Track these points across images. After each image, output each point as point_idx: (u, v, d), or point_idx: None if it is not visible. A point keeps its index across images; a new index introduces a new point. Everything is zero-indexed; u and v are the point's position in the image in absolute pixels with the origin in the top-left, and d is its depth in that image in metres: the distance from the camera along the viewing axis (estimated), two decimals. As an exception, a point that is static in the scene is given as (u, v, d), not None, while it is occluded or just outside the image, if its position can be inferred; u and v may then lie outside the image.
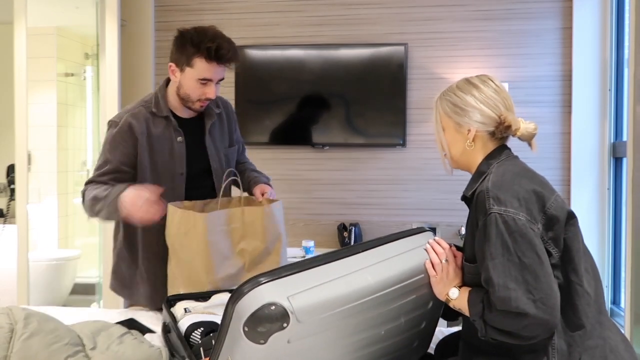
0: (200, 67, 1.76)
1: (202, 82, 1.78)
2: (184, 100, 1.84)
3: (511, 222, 1.19)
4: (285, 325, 1.07)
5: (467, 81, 1.41)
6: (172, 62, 1.81)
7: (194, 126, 1.92)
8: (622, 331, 2.41)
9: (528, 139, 1.38)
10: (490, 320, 1.21)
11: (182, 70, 1.79)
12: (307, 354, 1.17)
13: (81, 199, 1.86)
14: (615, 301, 3.10)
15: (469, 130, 1.37)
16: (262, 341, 1.08)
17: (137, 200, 1.64)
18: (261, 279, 1.12)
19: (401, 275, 1.28)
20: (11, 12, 3.18)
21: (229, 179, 1.92)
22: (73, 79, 4.08)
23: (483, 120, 1.36)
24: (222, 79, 1.83)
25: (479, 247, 1.25)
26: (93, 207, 1.78)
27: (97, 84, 3.46)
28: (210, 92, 1.80)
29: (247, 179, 2.05)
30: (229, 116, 2.04)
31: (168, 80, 1.89)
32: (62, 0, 3.65)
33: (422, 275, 1.33)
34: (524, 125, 1.36)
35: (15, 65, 3.20)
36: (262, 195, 1.95)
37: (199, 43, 1.74)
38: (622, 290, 2.99)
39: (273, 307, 1.07)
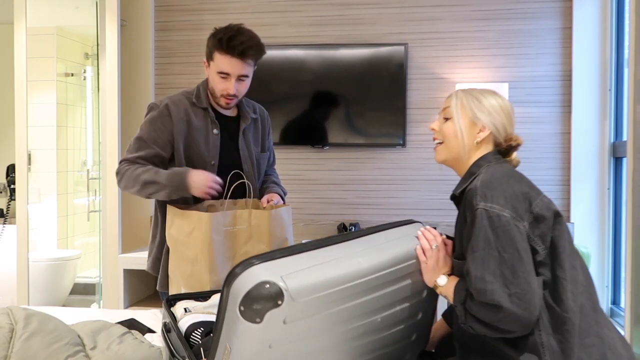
0: (218, 59, 1.83)
1: (222, 76, 1.84)
2: (212, 96, 1.92)
3: (495, 217, 1.23)
4: (280, 302, 1.09)
5: (491, 91, 1.47)
6: (204, 58, 1.91)
7: (231, 125, 1.98)
8: (622, 331, 2.42)
9: (513, 166, 1.45)
10: (470, 308, 1.25)
11: (208, 65, 1.88)
12: (304, 339, 1.18)
13: (117, 177, 1.87)
14: (615, 301, 3.10)
15: (482, 130, 1.41)
16: (258, 320, 1.09)
17: (205, 177, 1.76)
18: (253, 260, 1.15)
19: (393, 259, 1.31)
20: (11, 12, 3.19)
21: (237, 182, 1.91)
22: (73, 79, 4.08)
23: (499, 127, 1.42)
24: (245, 75, 1.86)
25: (467, 242, 1.28)
26: (144, 189, 1.80)
27: (97, 84, 3.46)
28: (230, 87, 1.85)
29: (264, 186, 2.10)
30: (263, 123, 2.12)
31: None
32: (62, 0, 3.66)
33: (414, 260, 1.36)
34: (516, 153, 1.46)
35: (15, 65, 3.20)
36: (268, 202, 1.97)
37: (216, 35, 1.82)
38: (622, 290, 2.99)
39: (267, 286, 1.09)
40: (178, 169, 1.81)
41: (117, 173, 1.86)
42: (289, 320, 1.12)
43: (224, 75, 1.84)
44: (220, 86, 1.86)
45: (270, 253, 1.19)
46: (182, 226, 1.81)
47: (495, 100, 1.42)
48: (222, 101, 1.89)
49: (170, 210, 1.85)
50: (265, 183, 2.13)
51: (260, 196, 2.06)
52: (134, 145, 1.87)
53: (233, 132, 1.98)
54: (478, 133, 1.41)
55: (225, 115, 1.97)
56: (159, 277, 1.96)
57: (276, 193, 2.05)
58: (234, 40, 1.79)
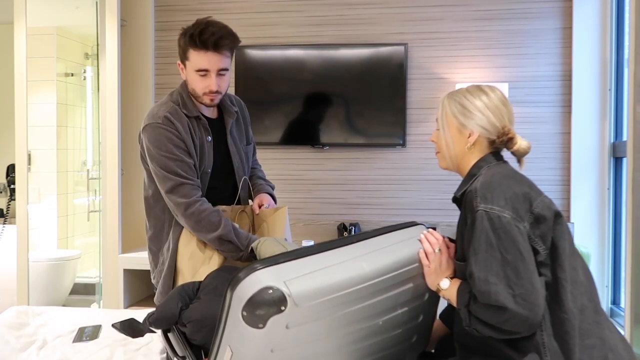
0: (193, 57, 1.76)
1: (201, 74, 1.76)
2: (193, 96, 1.84)
3: (496, 219, 1.23)
4: (283, 308, 1.09)
5: (478, 87, 1.44)
6: (179, 60, 1.84)
7: (217, 126, 1.92)
8: (622, 331, 2.42)
9: (522, 155, 1.42)
10: (474, 310, 1.25)
11: (185, 66, 1.81)
12: (306, 343, 1.17)
13: (191, 219, 1.76)
14: (615, 301, 3.10)
15: (471, 134, 1.40)
16: (260, 325, 1.09)
17: None
18: (256, 265, 1.14)
19: (396, 263, 1.30)
20: (11, 12, 3.18)
21: (244, 181, 1.90)
22: (73, 79, 4.08)
23: (487, 126, 1.39)
24: (224, 69, 1.79)
25: (468, 244, 1.28)
26: (217, 243, 1.75)
27: (97, 84, 3.46)
28: (212, 84, 1.77)
29: (252, 185, 2.06)
30: (243, 115, 2.03)
31: None
32: (62, 0, 3.65)
33: (417, 264, 1.36)
34: (521, 141, 1.41)
35: (15, 65, 3.20)
36: (260, 207, 1.94)
37: (186, 32, 1.75)
38: (622, 290, 2.99)
39: (270, 291, 1.09)
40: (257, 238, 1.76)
41: (192, 214, 1.74)
42: (292, 325, 1.12)
43: (203, 72, 1.76)
44: (200, 85, 1.78)
45: (273, 257, 1.18)
46: (193, 258, 1.82)
47: (481, 99, 1.40)
48: (206, 99, 1.81)
49: (183, 239, 1.85)
50: (252, 180, 2.07)
51: (249, 194, 2.03)
52: (179, 168, 1.76)
53: (220, 133, 1.92)
54: (468, 138, 1.40)
55: (210, 118, 1.91)
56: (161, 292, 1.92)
57: (265, 193, 2.01)
58: (205, 33, 1.71)
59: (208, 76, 1.77)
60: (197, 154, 1.83)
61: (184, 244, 1.83)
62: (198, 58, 1.74)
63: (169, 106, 1.82)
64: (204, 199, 1.79)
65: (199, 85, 1.79)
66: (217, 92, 1.79)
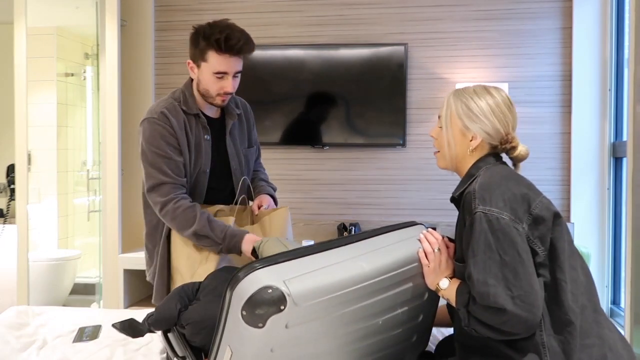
0: (213, 60, 1.77)
1: (218, 76, 1.79)
2: (205, 96, 1.85)
3: (494, 221, 1.22)
4: (282, 307, 1.09)
5: (485, 89, 1.42)
6: (190, 59, 1.84)
7: (217, 126, 1.93)
8: (622, 331, 2.42)
9: (520, 160, 1.42)
10: (473, 311, 1.25)
11: (198, 66, 1.81)
12: (305, 343, 1.17)
13: (167, 217, 1.78)
14: (615, 301, 3.10)
15: (473, 138, 1.39)
16: (260, 324, 1.09)
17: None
18: (256, 264, 1.14)
19: (395, 263, 1.30)
20: (11, 12, 3.18)
21: (243, 181, 1.90)
22: (73, 79, 4.08)
23: (491, 132, 1.38)
24: (239, 71, 1.83)
25: (466, 246, 1.28)
26: (195, 238, 1.76)
27: (97, 84, 3.46)
28: (228, 85, 1.80)
29: (253, 184, 2.06)
30: (247, 117, 2.05)
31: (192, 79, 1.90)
32: (62, 0, 3.65)
33: (416, 264, 1.36)
34: (521, 147, 1.41)
35: (15, 65, 3.20)
36: (259, 208, 1.95)
37: (210, 36, 1.75)
38: (622, 290, 2.99)
39: (270, 290, 1.09)
40: (234, 230, 1.76)
41: (166, 212, 1.76)
42: (291, 325, 1.12)
43: (221, 74, 1.79)
44: (216, 86, 1.81)
45: (273, 257, 1.18)
46: (190, 260, 1.82)
47: (487, 101, 1.38)
48: (219, 100, 1.84)
49: (177, 241, 1.85)
50: (254, 182, 2.09)
51: (249, 195, 2.04)
52: (165, 165, 1.77)
53: (219, 132, 1.93)
54: (470, 141, 1.39)
55: (211, 117, 1.92)
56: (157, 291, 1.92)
57: (266, 194, 2.02)
58: (232, 39, 1.74)
59: (225, 78, 1.80)
60: (193, 151, 1.84)
61: (181, 244, 1.83)
62: (220, 61, 1.77)
63: (167, 102, 1.85)
64: (183, 196, 1.79)
65: (214, 86, 1.81)
66: (230, 93, 1.83)
